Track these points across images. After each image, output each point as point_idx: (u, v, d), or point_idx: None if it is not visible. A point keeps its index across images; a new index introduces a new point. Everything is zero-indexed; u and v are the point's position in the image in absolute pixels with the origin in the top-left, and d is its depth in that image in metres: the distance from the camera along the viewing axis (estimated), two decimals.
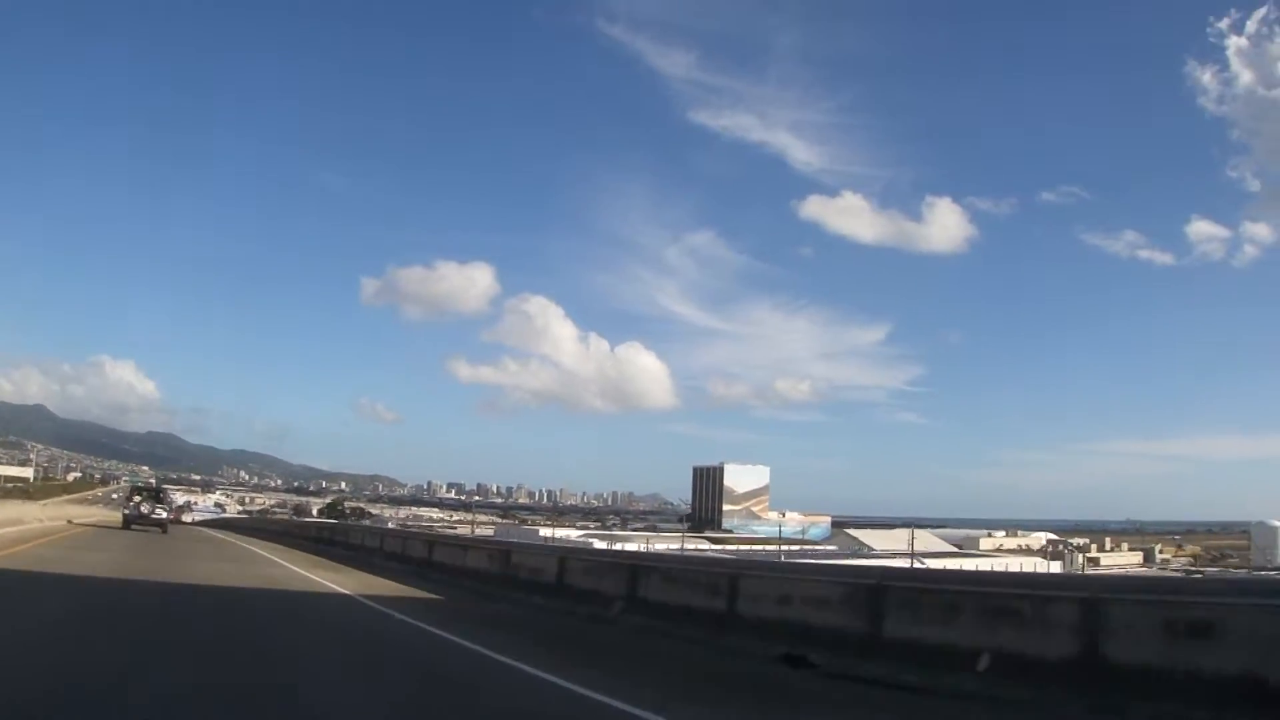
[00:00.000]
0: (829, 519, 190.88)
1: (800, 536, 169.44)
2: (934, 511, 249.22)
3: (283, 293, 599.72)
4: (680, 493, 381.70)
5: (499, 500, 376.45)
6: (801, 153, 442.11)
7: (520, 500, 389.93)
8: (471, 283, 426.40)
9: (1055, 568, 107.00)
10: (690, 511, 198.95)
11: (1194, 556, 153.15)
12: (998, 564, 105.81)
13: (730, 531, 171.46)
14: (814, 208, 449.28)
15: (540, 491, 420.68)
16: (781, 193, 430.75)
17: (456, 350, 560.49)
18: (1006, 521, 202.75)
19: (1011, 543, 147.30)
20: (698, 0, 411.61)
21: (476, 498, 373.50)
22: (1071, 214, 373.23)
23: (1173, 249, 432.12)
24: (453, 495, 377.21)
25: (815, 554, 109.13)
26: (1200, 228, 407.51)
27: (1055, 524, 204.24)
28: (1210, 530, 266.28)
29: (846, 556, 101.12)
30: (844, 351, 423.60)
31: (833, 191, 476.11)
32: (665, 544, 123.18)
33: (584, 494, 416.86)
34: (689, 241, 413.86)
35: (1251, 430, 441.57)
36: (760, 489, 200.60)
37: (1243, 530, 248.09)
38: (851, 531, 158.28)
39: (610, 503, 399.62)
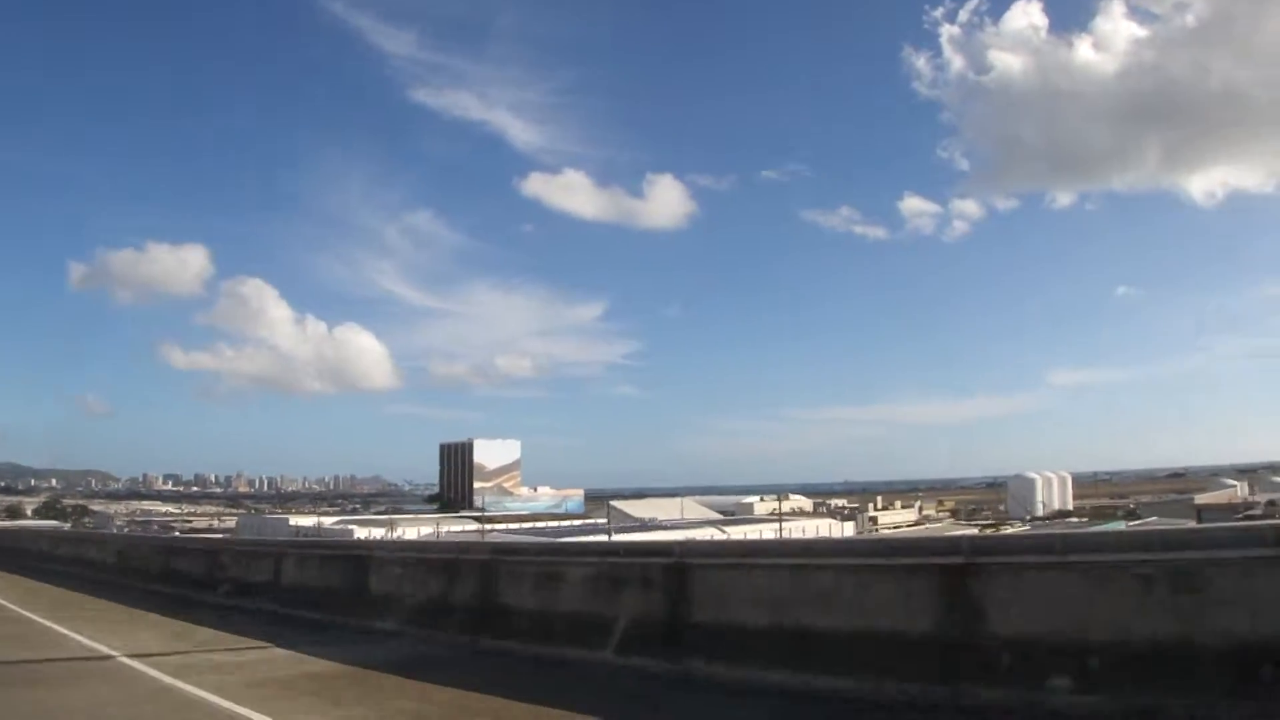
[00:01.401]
0: (582, 493, 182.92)
1: (558, 511, 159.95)
2: (665, 481, 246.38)
3: None
4: (404, 473, 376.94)
5: (218, 490, 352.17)
6: (521, 132, 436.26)
7: (240, 488, 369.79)
8: (185, 265, 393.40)
9: (849, 529, 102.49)
10: (438, 491, 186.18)
11: (952, 511, 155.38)
12: (804, 528, 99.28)
13: (483, 510, 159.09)
14: (536, 185, 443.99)
15: (260, 479, 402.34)
16: (502, 172, 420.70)
17: (170, 336, 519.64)
18: (734, 488, 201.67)
19: (786, 506, 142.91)
20: None
21: (195, 488, 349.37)
22: (790, 191, 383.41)
23: (886, 224, 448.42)
24: (170, 487, 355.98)
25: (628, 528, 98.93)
26: (912, 204, 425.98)
27: (779, 488, 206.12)
28: (959, 487, 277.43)
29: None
30: (563, 328, 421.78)
31: (554, 169, 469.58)
32: (454, 526, 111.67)
33: (305, 479, 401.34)
34: (407, 221, 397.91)
35: (954, 395, 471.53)
36: (511, 464, 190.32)
37: (990, 485, 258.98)
38: (616, 504, 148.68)
39: (333, 487, 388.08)
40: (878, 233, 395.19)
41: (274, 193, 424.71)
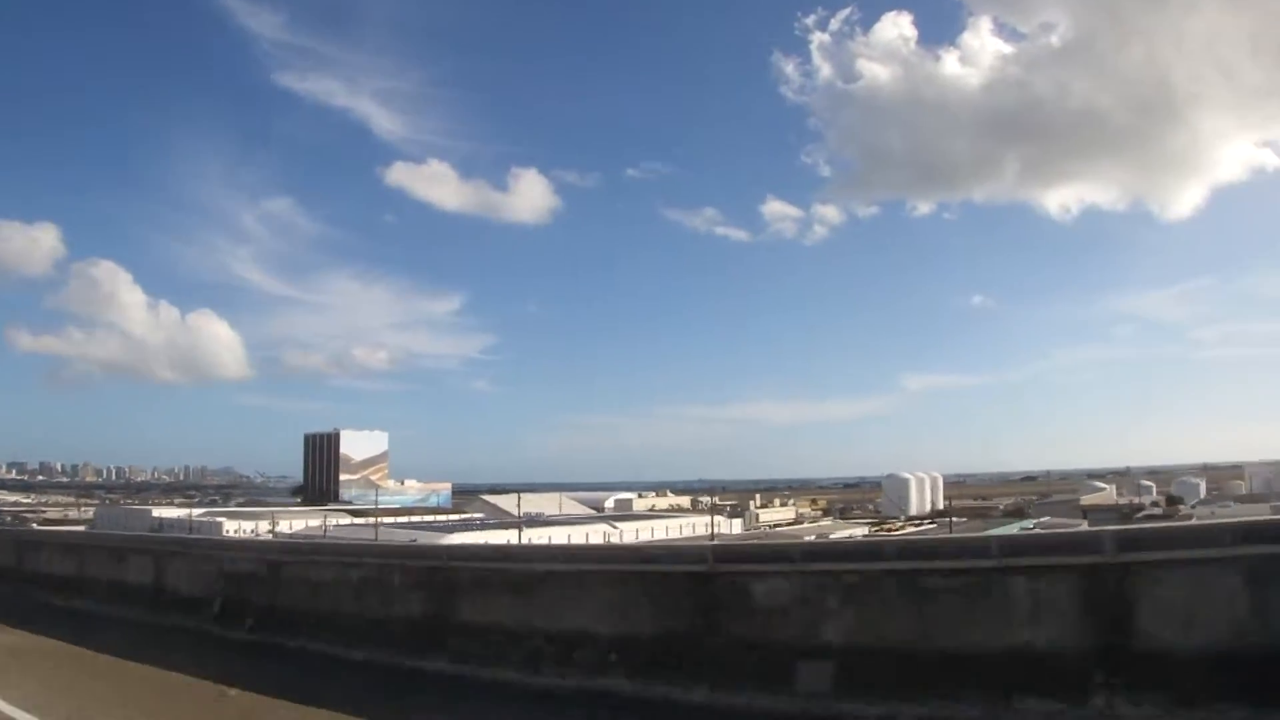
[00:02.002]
0: (449, 486, 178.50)
1: (426, 504, 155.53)
2: (525, 477, 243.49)
3: None
4: (257, 465, 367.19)
5: (65, 479, 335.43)
6: (386, 121, 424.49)
7: (88, 478, 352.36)
8: (35, 244, 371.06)
9: (737, 526, 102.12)
10: (301, 483, 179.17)
11: (824, 510, 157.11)
12: (693, 524, 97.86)
13: (350, 503, 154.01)
14: (400, 174, 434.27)
15: (109, 468, 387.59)
16: (365, 161, 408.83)
17: (17, 318, 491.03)
18: (593, 484, 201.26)
19: (664, 503, 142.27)
20: None
21: (40, 476, 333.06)
22: (654, 190, 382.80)
23: (748, 226, 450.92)
24: (14, 475, 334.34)
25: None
26: (775, 207, 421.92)
27: (637, 484, 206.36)
28: (817, 487, 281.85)
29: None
30: (420, 321, 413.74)
31: (419, 159, 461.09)
32: (318, 520, 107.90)
33: (154, 469, 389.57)
34: (266, 207, 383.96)
35: (809, 396, 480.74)
36: (379, 456, 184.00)
37: (847, 485, 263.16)
38: (488, 498, 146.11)
39: (183, 477, 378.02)
40: (740, 234, 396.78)
41: (128, 173, 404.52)
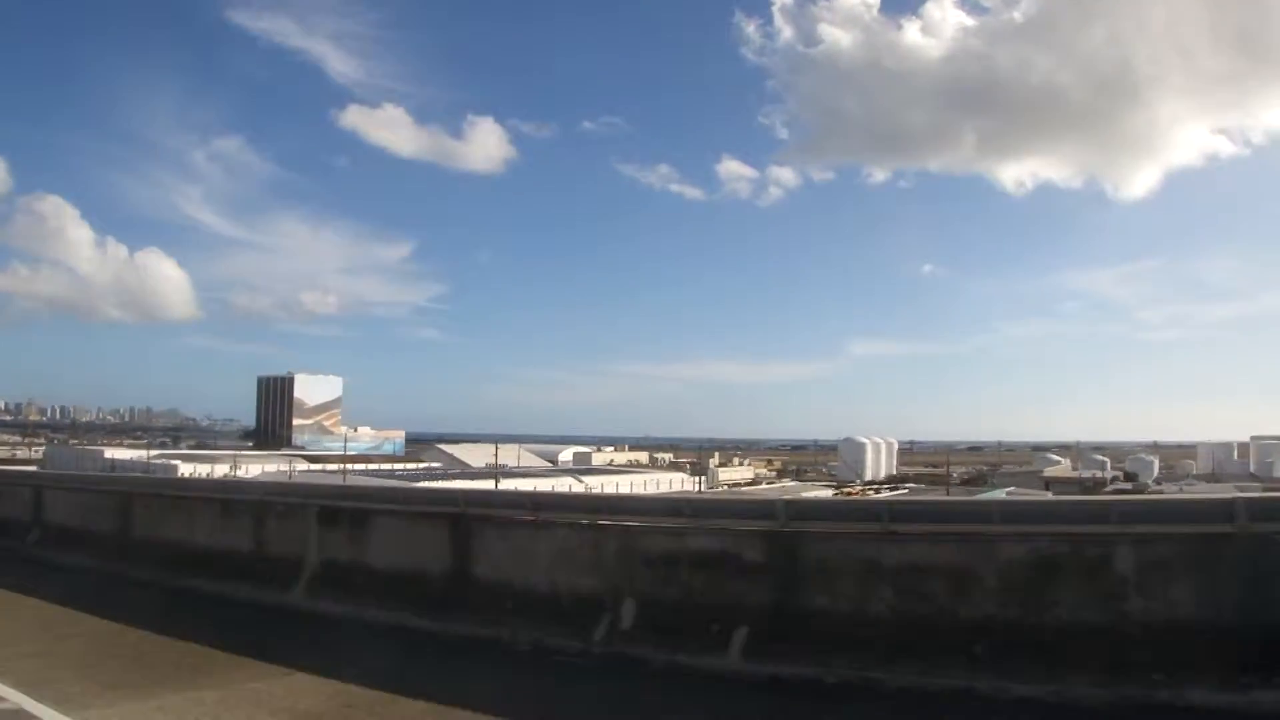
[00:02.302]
0: (403, 434, 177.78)
1: (379, 452, 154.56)
2: (473, 427, 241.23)
3: None
4: (202, 407, 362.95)
5: (8, 418, 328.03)
6: (340, 63, 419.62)
7: (31, 416, 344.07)
8: None
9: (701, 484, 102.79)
10: (254, 427, 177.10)
11: (778, 471, 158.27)
12: (657, 480, 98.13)
13: (303, 448, 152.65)
14: (353, 117, 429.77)
15: (53, 408, 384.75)
16: (318, 102, 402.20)
17: None
18: (540, 437, 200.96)
19: (622, 458, 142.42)
20: None
21: None
22: (610, 144, 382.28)
23: (704, 185, 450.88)
24: None
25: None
26: (730, 167, 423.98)
27: (582, 438, 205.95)
28: (764, 448, 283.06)
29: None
30: (369, 266, 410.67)
31: (373, 104, 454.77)
32: (277, 466, 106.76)
33: (99, 410, 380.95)
34: (216, 146, 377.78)
35: (753, 357, 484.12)
36: (332, 401, 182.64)
37: (795, 448, 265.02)
38: (445, 448, 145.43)
39: (128, 419, 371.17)
40: (694, 193, 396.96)
41: (77, 106, 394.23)
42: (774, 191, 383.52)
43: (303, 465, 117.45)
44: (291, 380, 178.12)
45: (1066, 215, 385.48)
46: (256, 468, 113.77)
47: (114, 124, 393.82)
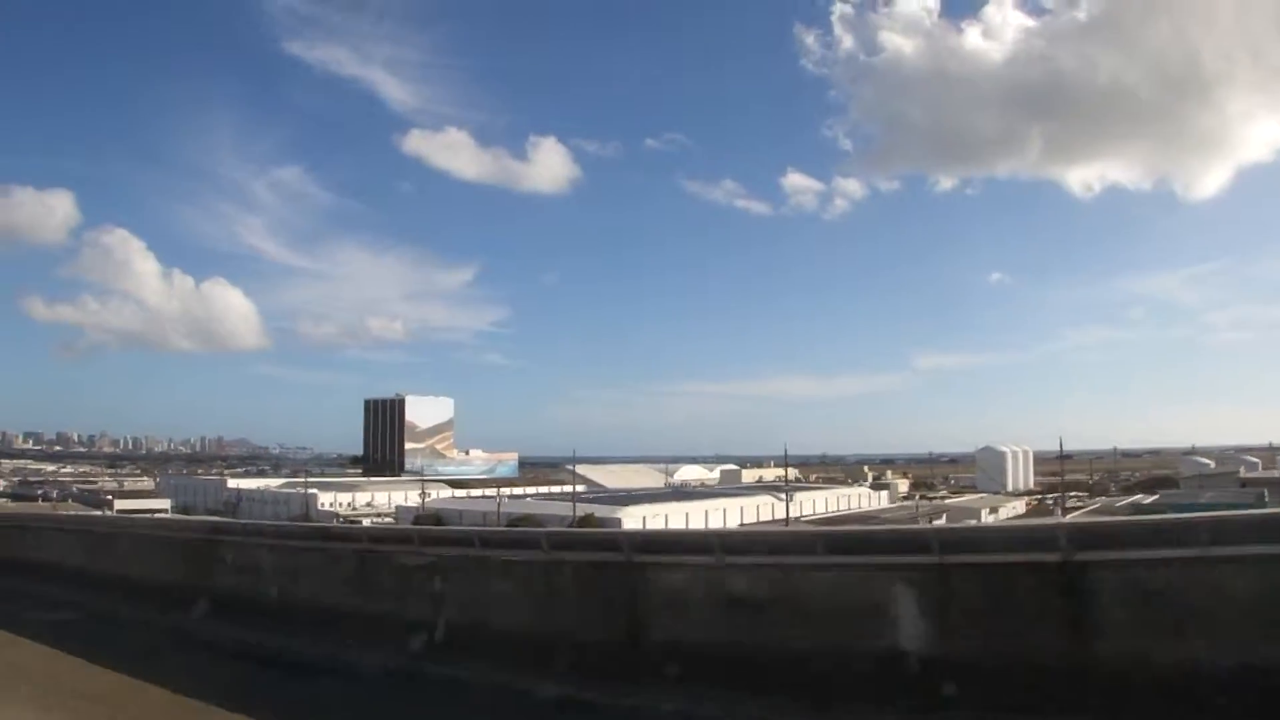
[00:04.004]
0: (516, 456, 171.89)
1: (493, 476, 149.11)
2: (550, 451, 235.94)
3: None
4: (273, 436, 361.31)
5: (82, 449, 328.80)
6: (396, 90, 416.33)
7: (105, 448, 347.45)
8: (50, 212, 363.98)
9: (884, 499, 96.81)
10: (361, 454, 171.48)
11: (913, 485, 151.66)
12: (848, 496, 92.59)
13: (420, 473, 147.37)
14: (416, 143, 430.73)
15: (125, 439, 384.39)
16: (376, 130, 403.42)
17: (32, 287, 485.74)
18: (606, 458, 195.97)
19: (770, 475, 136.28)
20: None
21: (58, 447, 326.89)
22: (673, 161, 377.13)
23: (769, 199, 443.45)
24: (32, 445, 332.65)
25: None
26: (795, 180, 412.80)
27: (656, 458, 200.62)
28: (844, 464, 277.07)
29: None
30: (431, 292, 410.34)
31: (435, 128, 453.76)
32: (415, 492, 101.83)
33: (170, 440, 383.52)
34: (276, 176, 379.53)
35: (819, 371, 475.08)
36: (444, 424, 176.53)
37: (884, 461, 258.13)
38: (583, 467, 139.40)
39: (199, 448, 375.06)
40: (760, 208, 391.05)
41: (140, 141, 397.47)
42: (840, 203, 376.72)
43: (446, 491, 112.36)
44: (402, 403, 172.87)
45: (1133, 219, 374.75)
46: (382, 495, 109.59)
47: (175, 157, 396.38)
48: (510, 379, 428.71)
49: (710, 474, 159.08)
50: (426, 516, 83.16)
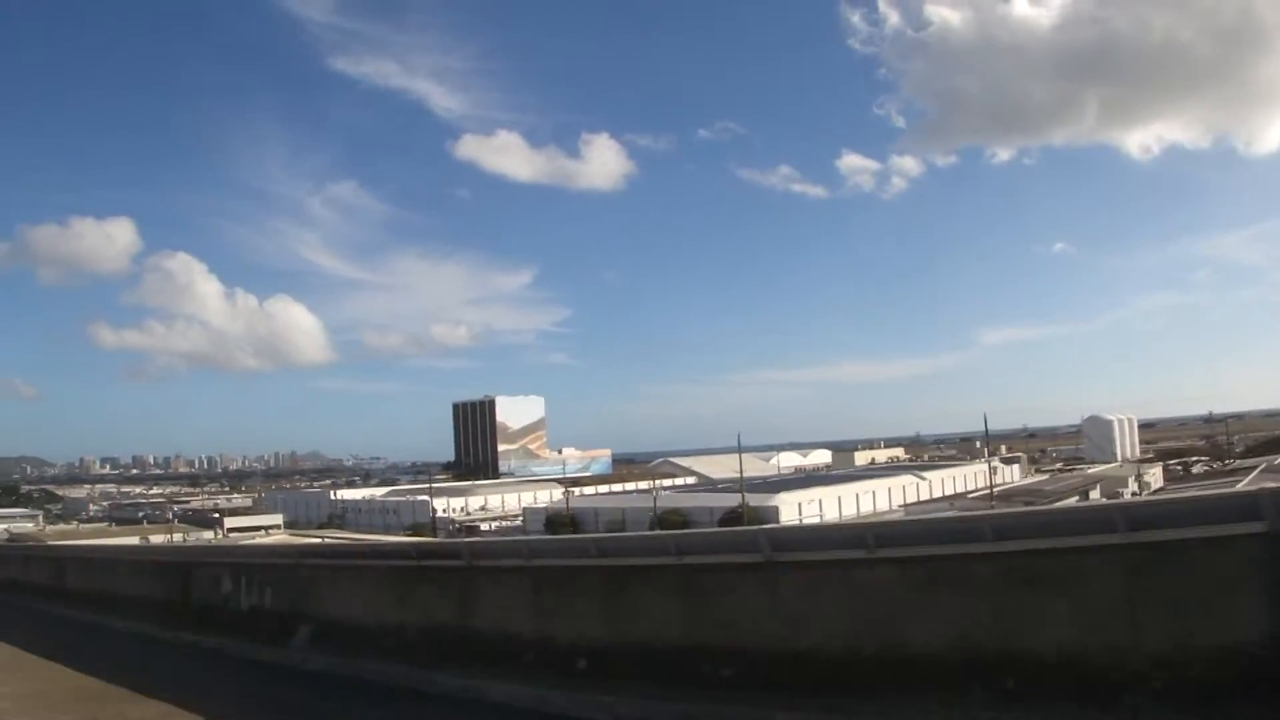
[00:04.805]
0: (609, 454, 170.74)
1: (586, 474, 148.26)
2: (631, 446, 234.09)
3: None
4: (343, 448, 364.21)
5: (158, 471, 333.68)
6: (444, 99, 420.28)
7: (180, 469, 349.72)
8: (111, 240, 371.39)
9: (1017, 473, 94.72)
10: (453, 458, 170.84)
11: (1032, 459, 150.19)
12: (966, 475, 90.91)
13: (512, 474, 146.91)
14: (469, 148, 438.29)
15: (200, 458, 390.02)
16: (426, 139, 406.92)
17: (97, 314, 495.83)
18: (679, 450, 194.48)
19: (883, 456, 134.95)
20: None
21: (135, 470, 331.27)
22: (727, 150, 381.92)
23: (826, 183, 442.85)
24: (108, 470, 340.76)
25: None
26: (851, 161, 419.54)
27: (747, 448, 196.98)
28: (925, 443, 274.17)
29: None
30: (491, 296, 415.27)
31: (487, 132, 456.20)
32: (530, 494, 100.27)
33: (244, 457, 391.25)
34: (330, 191, 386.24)
35: (882, 354, 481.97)
36: (536, 423, 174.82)
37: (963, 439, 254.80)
38: (680, 461, 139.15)
39: (274, 464, 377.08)
40: (817, 191, 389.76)
41: (195, 165, 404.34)
42: (897, 182, 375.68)
43: (557, 492, 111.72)
44: (493, 403, 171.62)
45: (1195, 178, 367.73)
46: (495, 498, 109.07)
47: (230, 178, 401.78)
48: (577, 378, 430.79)
49: (804, 460, 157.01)
50: (559, 518, 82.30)
